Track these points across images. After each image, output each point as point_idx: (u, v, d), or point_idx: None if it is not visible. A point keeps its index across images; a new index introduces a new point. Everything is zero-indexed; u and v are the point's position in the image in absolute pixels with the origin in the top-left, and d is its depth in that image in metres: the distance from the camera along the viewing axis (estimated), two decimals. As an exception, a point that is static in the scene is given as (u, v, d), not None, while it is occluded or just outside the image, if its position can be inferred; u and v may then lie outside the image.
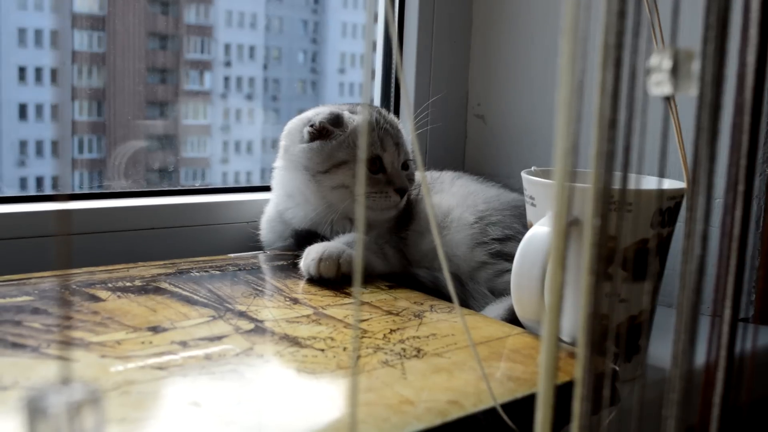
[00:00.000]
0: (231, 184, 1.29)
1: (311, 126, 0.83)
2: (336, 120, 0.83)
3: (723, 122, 0.30)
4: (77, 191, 0.93)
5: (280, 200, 0.88)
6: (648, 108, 0.31)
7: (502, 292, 0.75)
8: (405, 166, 0.87)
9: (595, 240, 0.30)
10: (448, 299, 0.70)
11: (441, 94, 1.09)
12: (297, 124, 0.86)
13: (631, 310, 0.61)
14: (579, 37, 0.28)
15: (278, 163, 0.88)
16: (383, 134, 0.84)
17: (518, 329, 0.62)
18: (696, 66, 0.30)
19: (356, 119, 0.84)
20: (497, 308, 0.71)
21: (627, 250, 0.58)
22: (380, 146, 0.83)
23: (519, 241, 0.59)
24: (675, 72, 0.30)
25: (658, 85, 0.31)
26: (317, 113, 0.84)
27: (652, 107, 0.32)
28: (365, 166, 0.81)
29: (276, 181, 0.89)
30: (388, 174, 0.83)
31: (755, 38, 0.30)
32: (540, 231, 0.58)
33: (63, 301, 0.62)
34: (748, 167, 0.31)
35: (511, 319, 0.64)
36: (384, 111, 0.89)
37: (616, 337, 0.60)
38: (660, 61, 0.31)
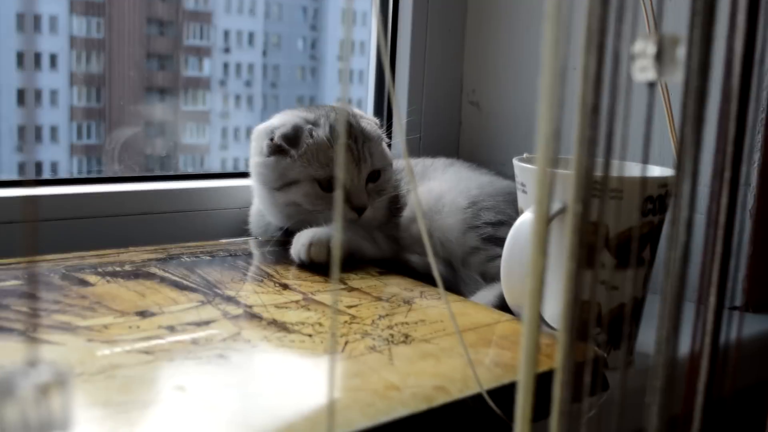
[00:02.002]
0: (230, 170, 1.28)
1: (270, 140, 0.80)
2: (293, 138, 0.79)
3: (710, 109, 0.29)
4: (74, 176, 0.93)
5: (257, 199, 0.87)
6: (632, 94, 0.31)
7: (494, 277, 0.74)
8: (374, 176, 0.83)
9: (577, 226, 0.30)
10: (440, 286, 0.70)
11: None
12: (261, 133, 0.82)
13: (622, 297, 0.61)
14: (562, 22, 0.28)
15: (251, 160, 0.85)
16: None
17: (508, 315, 0.62)
18: (681, 52, 0.30)
19: (316, 134, 0.80)
20: (488, 294, 0.70)
21: (617, 237, 0.58)
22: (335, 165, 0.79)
23: (511, 226, 0.59)
24: (659, 58, 0.30)
25: (643, 70, 0.31)
26: (282, 124, 0.80)
27: (636, 93, 0.31)
28: (318, 186, 0.79)
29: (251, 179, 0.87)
30: (346, 191, 0.80)
31: (743, 24, 0.30)
32: (530, 217, 0.58)
33: (52, 285, 0.62)
34: (735, 154, 0.31)
35: (501, 305, 0.64)
36: (355, 118, 0.84)
37: (608, 324, 0.60)
38: (644, 47, 0.30)
